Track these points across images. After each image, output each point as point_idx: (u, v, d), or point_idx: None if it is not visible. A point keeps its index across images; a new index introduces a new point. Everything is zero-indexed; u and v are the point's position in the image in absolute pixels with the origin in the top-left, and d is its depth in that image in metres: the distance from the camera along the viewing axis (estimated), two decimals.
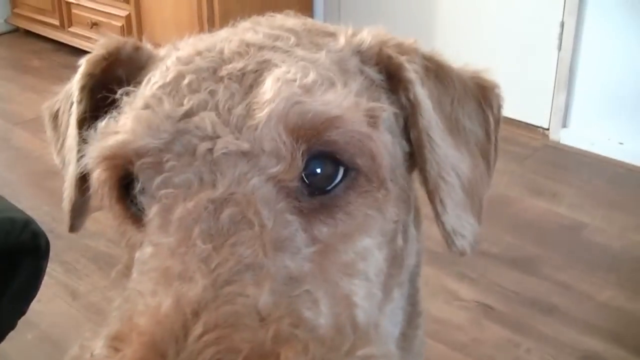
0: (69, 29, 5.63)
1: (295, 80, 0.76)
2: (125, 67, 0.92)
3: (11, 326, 1.50)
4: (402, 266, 0.87)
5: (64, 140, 0.98)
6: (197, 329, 0.60)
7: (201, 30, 4.47)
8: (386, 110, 0.80)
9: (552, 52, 4.02)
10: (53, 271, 3.00)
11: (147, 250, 0.72)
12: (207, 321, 0.61)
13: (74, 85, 0.93)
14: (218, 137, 0.73)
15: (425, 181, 0.84)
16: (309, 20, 0.91)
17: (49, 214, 3.43)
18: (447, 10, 4.40)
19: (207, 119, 0.74)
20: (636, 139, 3.87)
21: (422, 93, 0.84)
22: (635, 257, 3.18)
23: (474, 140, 0.90)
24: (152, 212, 0.74)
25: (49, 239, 1.49)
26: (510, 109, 3.62)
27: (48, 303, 2.98)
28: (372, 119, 0.77)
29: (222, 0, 4.45)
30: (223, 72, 0.78)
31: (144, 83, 0.82)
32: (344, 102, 0.76)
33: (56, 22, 5.72)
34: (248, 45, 0.82)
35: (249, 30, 0.86)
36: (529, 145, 4.02)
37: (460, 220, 0.85)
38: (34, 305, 2.93)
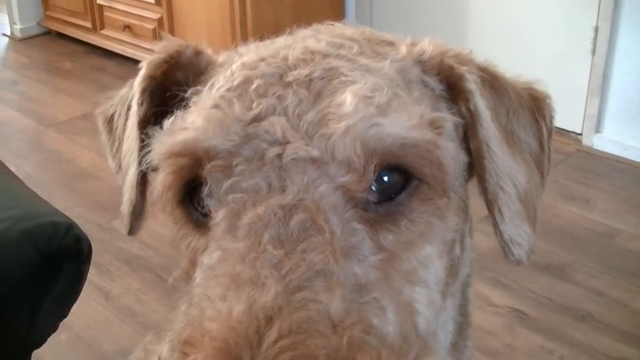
0: (101, 32, 5.67)
1: (370, 98, 0.76)
2: (185, 71, 0.92)
3: (53, 328, 1.51)
4: (457, 275, 0.87)
5: (120, 144, 0.99)
6: (272, 335, 0.60)
7: (233, 33, 4.49)
8: (449, 120, 0.81)
9: (586, 57, 3.99)
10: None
11: (215, 254, 0.72)
12: (281, 327, 0.60)
13: (135, 87, 0.94)
14: (288, 142, 0.73)
15: (484, 191, 0.85)
16: (367, 29, 0.91)
17: (81, 216, 3.45)
18: (479, 14, 4.38)
19: (276, 124, 0.74)
20: None
21: (482, 104, 0.84)
22: None
23: (528, 151, 0.90)
24: (220, 216, 0.74)
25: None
26: None
27: (81, 305, 2.98)
28: (437, 128, 0.78)
29: (254, 3, 4.45)
30: (289, 78, 0.78)
31: (207, 86, 0.82)
32: (415, 119, 0.76)
33: (88, 25, 5.76)
34: (312, 52, 0.82)
35: (310, 37, 0.86)
36: (562, 150, 4.00)
37: (517, 229, 0.85)
38: None
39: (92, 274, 3.05)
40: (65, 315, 1.51)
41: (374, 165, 0.74)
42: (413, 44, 0.88)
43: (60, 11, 6.01)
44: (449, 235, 0.82)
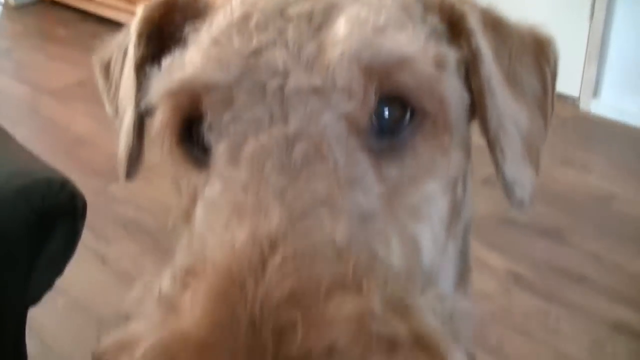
0: None
1: (367, 21, 0.75)
2: (183, 13, 0.90)
3: (49, 286, 1.50)
4: (460, 216, 0.86)
5: (117, 89, 0.98)
6: (276, 260, 0.59)
7: None
8: (452, 56, 0.80)
9: (584, 22, 3.97)
10: (84, 239, 3.00)
11: (216, 186, 0.71)
12: (285, 252, 0.59)
13: (132, 31, 0.92)
14: (289, 73, 0.72)
15: (485, 131, 0.84)
16: None
17: (77, 182, 3.40)
18: None
19: (277, 56, 0.73)
20: None
21: (483, 43, 0.83)
22: None
23: (531, 93, 0.89)
24: (221, 148, 0.73)
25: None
26: None
27: (78, 269, 2.97)
28: (440, 63, 0.77)
29: None
30: (290, 12, 0.77)
31: (206, 24, 0.81)
32: (415, 43, 0.75)
33: None
34: None
35: None
36: (559, 115, 3.98)
37: (519, 169, 0.84)
38: (64, 271, 2.96)
39: (88, 239, 3.06)
40: (61, 272, 1.50)
41: (374, 88, 0.73)
42: None
43: None
44: (452, 173, 0.81)
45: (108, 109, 1.02)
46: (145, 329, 0.62)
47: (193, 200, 0.78)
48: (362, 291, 0.59)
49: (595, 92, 4.03)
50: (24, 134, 4.05)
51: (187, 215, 0.80)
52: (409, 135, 0.76)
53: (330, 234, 0.63)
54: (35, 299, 1.52)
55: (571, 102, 4.11)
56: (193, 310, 0.59)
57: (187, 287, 0.62)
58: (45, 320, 2.76)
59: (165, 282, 0.65)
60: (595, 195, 3.37)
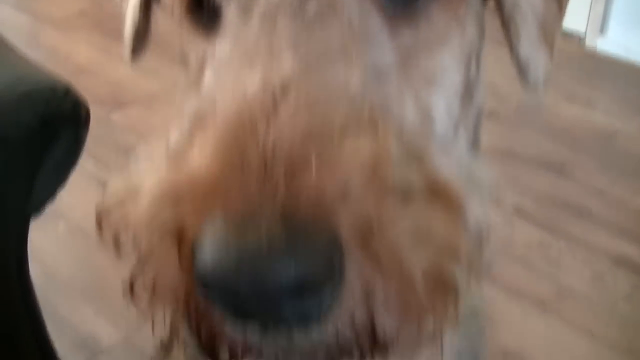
0: None
1: None
2: None
3: (51, 196, 1.50)
4: (472, 99, 0.85)
5: None
6: (289, 103, 0.57)
7: None
8: None
9: None
10: (85, 164, 3.00)
11: (227, 42, 0.69)
12: (299, 96, 0.58)
13: None
14: None
15: (500, 9, 0.82)
16: None
17: None
18: None
19: None
20: None
21: None
22: None
23: None
24: (232, 6, 0.71)
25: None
26: None
27: (79, 195, 2.98)
28: None
29: None
30: None
31: None
32: None
33: None
34: None
35: None
36: (565, 51, 3.94)
37: (533, 50, 0.83)
38: (65, 197, 2.94)
39: (90, 165, 3.05)
40: (64, 182, 1.49)
41: None
42: None
43: None
44: (466, 47, 0.79)
45: None
46: (151, 177, 0.61)
47: (202, 67, 0.77)
48: (378, 135, 0.58)
49: (602, 29, 3.98)
50: None
51: (196, 84, 0.78)
52: (425, 2, 0.74)
53: (345, 82, 0.61)
54: (38, 209, 1.51)
55: (577, 38, 4.06)
56: (202, 156, 0.58)
57: (196, 137, 0.60)
58: (46, 245, 2.76)
59: (173, 136, 0.63)
60: (599, 131, 3.35)
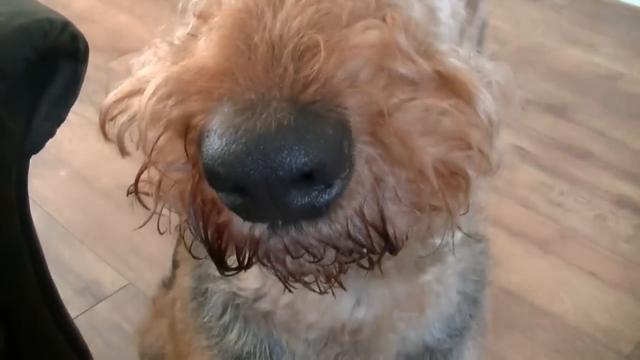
0: None
1: None
2: None
3: (50, 133, 1.47)
4: (475, 14, 0.83)
5: None
6: None
7: None
8: None
9: None
10: (85, 111, 2.98)
11: None
12: None
13: None
14: None
15: None
16: None
17: None
18: None
19: None
20: None
21: None
22: None
23: None
24: None
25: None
26: None
27: (80, 142, 2.97)
28: None
29: None
30: None
31: None
32: None
33: None
34: None
35: None
36: None
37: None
38: (66, 144, 2.94)
39: (90, 112, 3.03)
40: (62, 120, 1.47)
41: None
42: None
43: None
44: None
45: None
46: (155, 71, 0.59)
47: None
48: (386, 23, 0.56)
49: None
50: None
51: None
52: None
53: None
54: (36, 147, 1.49)
55: None
56: (208, 46, 0.56)
57: (201, 30, 0.59)
58: (47, 192, 2.76)
59: (178, 32, 0.62)
60: (601, 74, 3.33)
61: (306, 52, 0.53)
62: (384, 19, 0.56)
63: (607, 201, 2.67)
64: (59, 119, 1.49)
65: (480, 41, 0.89)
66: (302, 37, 0.53)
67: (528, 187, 2.71)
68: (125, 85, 0.63)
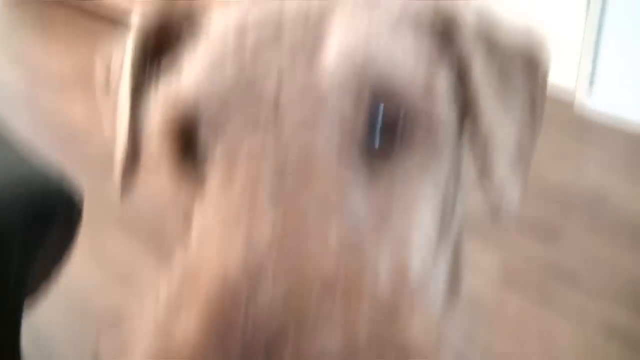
0: None
1: (364, 28, 0.76)
2: (181, 18, 0.91)
3: (43, 290, 1.51)
4: (452, 214, 0.87)
5: (115, 102, 0.98)
6: (265, 294, 0.60)
7: None
8: (443, 68, 0.81)
9: (580, 16, 4.00)
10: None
11: (211, 200, 0.72)
12: (277, 267, 0.61)
13: (128, 46, 0.93)
14: (283, 80, 0.73)
15: (473, 143, 0.85)
16: None
17: (73, 172, 3.44)
18: None
19: (272, 62, 0.75)
20: None
21: (475, 50, 0.84)
22: None
23: (520, 103, 0.89)
24: (216, 159, 0.74)
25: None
26: None
27: (73, 268, 2.97)
28: (432, 77, 0.78)
29: None
30: (286, 15, 0.78)
31: (204, 34, 0.82)
32: (412, 53, 0.77)
33: None
34: None
35: None
36: (554, 109, 3.98)
37: (506, 182, 0.85)
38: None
39: (83, 236, 3.05)
40: (56, 277, 1.51)
41: (367, 97, 0.74)
42: None
43: None
44: (444, 176, 0.82)
45: (104, 122, 1.03)
46: (140, 343, 0.64)
47: (189, 213, 0.79)
48: (352, 303, 0.61)
49: (592, 87, 4.03)
50: (19, 122, 4.06)
51: (184, 227, 0.81)
52: (401, 140, 0.76)
53: (323, 242, 0.65)
54: (28, 303, 1.52)
55: (566, 96, 4.11)
56: (187, 329, 0.61)
57: (182, 304, 0.63)
58: (41, 317, 2.77)
59: (163, 292, 0.66)
60: (588, 193, 3.38)
61: (277, 343, 0.57)
62: (350, 299, 0.61)
63: (597, 330, 2.67)
64: (53, 276, 1.52)
65: (460, 230, 0.93)
66: (273, 327, 0.58)
67: (515, 314, 2.73)
68: (113, 348, 0.67)
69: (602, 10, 3.89)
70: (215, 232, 0.67)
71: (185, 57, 0.82)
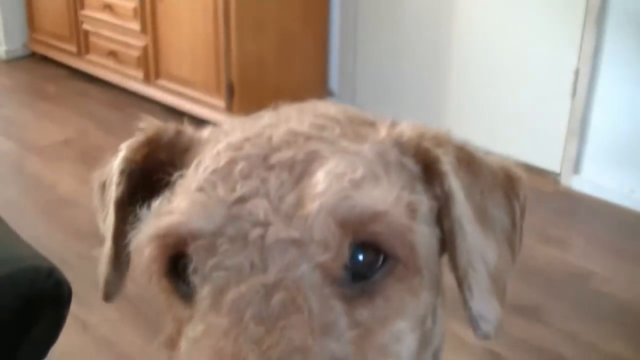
0: (86, 56, 5.68)
1: (344, 175, 0.80)
2: (168, 151, 0.95)
3: None
4: (428, 346, 0.90)
5: (107, 213, 1.01)
6: None
7: (217, 65, 4.52)
8: (424, 203, 0.84)
9: (566, 100, 4.06)
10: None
11: (199, 328, 0.75)
12: None
13: (114, 168, 0.96)
14: (269, 224, 0.77)
15: (454, 268, 0.88)
16: (349, 108, 0.94)
17: (61, 244, 3.46)
18: (462, 58, 4.44)
19: (259, 206, 0.78)
20: None
21: (455, 185, 0.87)
22: None
23: (500, 228, 0.93)
24: (205, 292, 0.77)
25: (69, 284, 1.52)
26: (523, 154, 3.63)
27: (60, 336, 2.99)
28: (412, 212, 0.81)
29: (239, 36, 4.49)
30: (273, 160, 0.82)
31: (193, 166, 0.85)
32: (389, 197, 0.79)
33: (73, 49, 5.78)
34: (296, 134, 0.85)
35: (294, 118, 0.89)
36: (540, 190, 4.04)
37: (486, 305, 0.88)
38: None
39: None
40: (44, 357, 1.52)
41: (348, 241, 0.78)
42: (393, 125, 0.91)
43: (45, 34, 6.03)
44: (422, 311, 0.85)
45: (100, 226, 1.05)
46: None
47: (178, 332, 0.82)
48: None
49: (576, 169, 4.09)
50: (9, 193, 4.10)
51: (173, 343, 0.83)
52: (380, 279, 0.80)
53: None
54: None
55: (552, 177, 4.16)
56: None
57: None
58: None
59: None
60: (573, 274, 3.41)
61: None
62: None
63: None
64: (41, 358, 1.54)
65: (435, 356, 0.96)
66: None
67: None
68: None
69: (589, 94, 3.96)
70: None
71: (177, 188, 0.85)
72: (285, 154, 0.82)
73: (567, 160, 4.10)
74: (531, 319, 3.09)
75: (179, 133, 0.95)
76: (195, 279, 0.79)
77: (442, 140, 0.90)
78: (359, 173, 0.80)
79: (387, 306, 0.80)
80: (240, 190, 0.79)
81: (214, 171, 0.82)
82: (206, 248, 0.78)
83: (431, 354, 0.94)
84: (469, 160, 0.93)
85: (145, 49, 5.11)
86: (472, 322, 0.88)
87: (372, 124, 0.92)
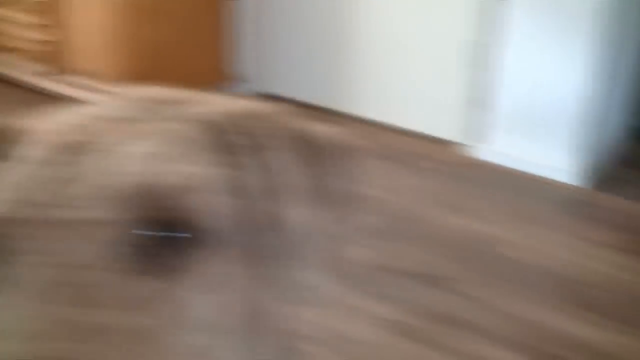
0: None
1: (150, 152, 0.80)
2: None
3: None
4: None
5: None
6: None
7: (116, 54, 4.45)
8: (229, 175, 0.83)
9: (468, 69, 4.11)
10: None
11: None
12: None
13: None
14: (65, 205, 0.77)
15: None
16: (165, 89, 0.94)
17: None
18: (363, 34, 4.45)
19: (56, 189, 0.78)
20: (551, 155, 3.96)
21: (273, 157, 0.86)
22: (549, 271, 3.25)
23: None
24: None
25: None
26: (425, 125, 3.65)
27: None
28: (216, 184, 0.81)
29: (136, 23, 4.42)
30: (76, 144, 0.81)
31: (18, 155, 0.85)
32: (195, 170, 0.80)
33: None
34: (107, 120, 0.85)
35: (109, 105, 0.91)
36: (444, 160, 4.07)
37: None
38: None
39: None
40: None
41: (150, 215, 0.77)
42: (208, 103, 0.91)
43: None
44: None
45: None
46: None
47: None
48: None
49: (481, 138, 4.13)
50: None
51: None
52: (181, 251, 0.79)
53: None
54: None
55: (456, 147, 4.20)
56: None
57: None
58: None
59: None
60: (480, 240, 3.44)
61: None
62: None
63: None
64: None
65: None
66: None
67: None
68: None
69: (493, 63, 3.99)
70: None
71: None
72: (90, 139, 0.82)
73: (472, 129, 4.13)
74: (437, 287, 3.11)
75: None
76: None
77: (256, 116, 0.90)
78: (163, 148, 0.80)
79: (191, 278, 0.79)
80: (41, 179, 0.79)
81: (26, 162, 0.82)
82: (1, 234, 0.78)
83: None
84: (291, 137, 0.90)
85: (45, 44, 4.99)
86: None
87: (185, 102, 0.91)
